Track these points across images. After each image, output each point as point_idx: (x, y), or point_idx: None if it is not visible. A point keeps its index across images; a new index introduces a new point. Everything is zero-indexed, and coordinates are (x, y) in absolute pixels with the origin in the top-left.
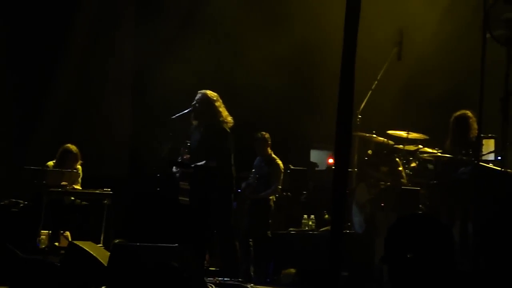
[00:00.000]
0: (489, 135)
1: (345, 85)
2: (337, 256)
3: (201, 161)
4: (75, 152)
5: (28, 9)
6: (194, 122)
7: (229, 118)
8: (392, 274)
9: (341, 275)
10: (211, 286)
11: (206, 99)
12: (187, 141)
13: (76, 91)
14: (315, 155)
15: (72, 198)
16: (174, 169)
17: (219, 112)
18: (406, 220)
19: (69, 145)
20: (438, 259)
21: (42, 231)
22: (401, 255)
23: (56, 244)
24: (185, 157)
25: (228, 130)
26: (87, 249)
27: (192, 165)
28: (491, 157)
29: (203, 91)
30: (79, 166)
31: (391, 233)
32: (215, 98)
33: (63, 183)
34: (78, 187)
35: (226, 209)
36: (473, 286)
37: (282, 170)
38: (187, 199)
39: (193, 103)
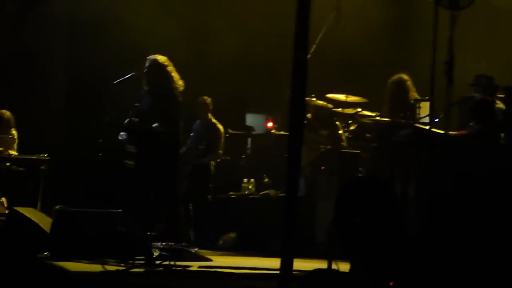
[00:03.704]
0: (426, 98)
1: (300, 50)
2: (291, 220)
3: (150, 126)
4: (7, 117)
5: None
6: (146, 87)
7: (180, 82)
8: (343, 237)
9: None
10: (155, 251)
11: (157, 64)
12: (136, 104)
13: (10, 56)
14: (250, 119)
15: (8, 164)
16: (121, 134)
17: (171, 77)
18: (355, 183)
19: (1, 111)
20: (387, 221)
21: None
22: (350, 218)
23: None
24: (133, 119)
25: (179, 97)
26: (28, 215)
27: (142, 129)
28: (427, 119)
29: (153, 56)
30: (14, 132)
31: (340, 195)
32: (166, 63)
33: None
34: (14, 152)
35: (171, 175)
36: (420, 249)
37: (223, 135)
38: (132, 162)
39: (144, 70)
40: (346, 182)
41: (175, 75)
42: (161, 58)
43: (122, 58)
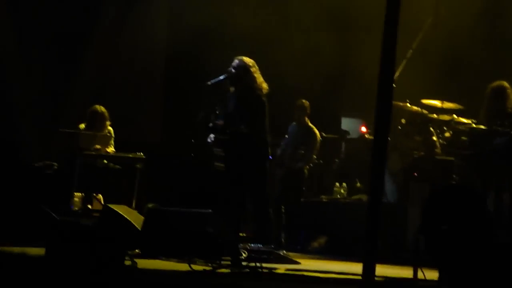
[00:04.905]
0: None
1: (387, 59)
2: (374, 226)
3: (235, 127)
4: (101, 112)
5: None
6: (231, 89)
7: (264, 85)
8: (429, 245)
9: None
10: (244, 252)
11: (242, 65)
12: (219, 106)
13: (109, 54)
14: (346, 123)
15: (105, 161)
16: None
17: (255, 79)
18: (444, 191)
19: (96, 106)
20: (476, 230)
21: (75, 194)
22: (438, 226)
23: (89, 206)
24: (218, 123)
25: (264, 97)
26: (121, 213)
27: (229, 131)
28: None
29: (240, 57)
30: (110, 128)
31: (428, 203)
32: (251, 64)
33: (97, 146)
34: (111, 149)
35: (261, 176)
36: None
37: (319, 140)
38: (222, 165)
39: (229, 69)
40: (435, 189)
41: (258, 76)
42: (246, 60)
43: (221, 59)
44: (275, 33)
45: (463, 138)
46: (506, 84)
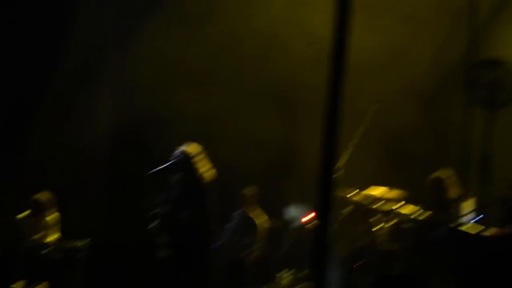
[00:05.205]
0: (468, 194)
1: (328, 146)
2: None
3: (179, 216)
4: (44, 200)
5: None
6: (174, 177)
7: (207, 174)
8: None
9: None
10: None
11: (184, 156)
12: (163, 194)
13: (53, 139)
14: (294, 209)
15: (48, 250)
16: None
17: (196, 169)
18: (387, 280)
19: (40, 193)
20: None
21: (16, 284)
22: None
23: None
24: (161, 210)
25: (205, 186)
26: None
27: (172, 219)
28: (470, 216)
29: (184, 146)
30: (56, 213)
31: None
32: (193, 154)
33: (39, 234)
34: (56, 235)
35: (203, 265)
36: None
37: (264, 229)
38: (166, 253)
39: (172, 158)
40: (378, 279)
41: (201, 166)
42: (189, 149)
43: (167, 143)
44: (222, 117)
45: (406, 227)
46: (444, 175)
